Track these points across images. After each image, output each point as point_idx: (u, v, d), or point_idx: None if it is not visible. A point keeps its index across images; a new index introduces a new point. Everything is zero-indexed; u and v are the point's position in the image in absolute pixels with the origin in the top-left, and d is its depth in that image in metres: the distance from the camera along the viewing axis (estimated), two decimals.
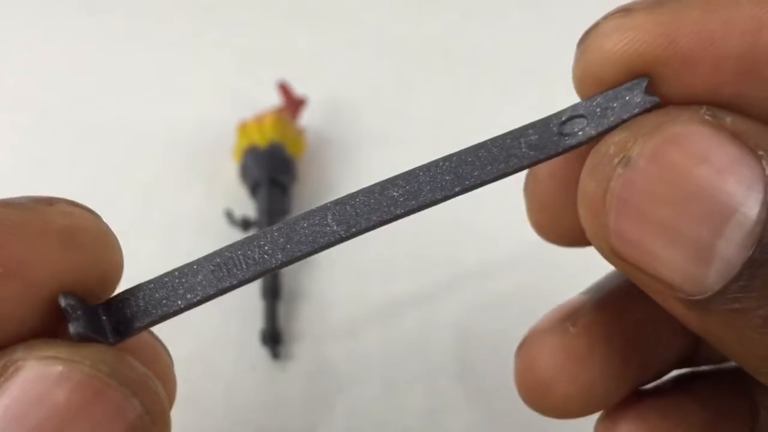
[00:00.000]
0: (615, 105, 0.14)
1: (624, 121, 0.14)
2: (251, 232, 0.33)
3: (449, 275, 0.32)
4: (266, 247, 0.14)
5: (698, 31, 0.13)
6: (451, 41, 0.43)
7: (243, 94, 0.39)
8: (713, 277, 0.12)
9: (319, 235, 0.14)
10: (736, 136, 0.12)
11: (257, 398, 0.28)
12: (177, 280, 0.14)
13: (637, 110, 0.14)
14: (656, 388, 0.19)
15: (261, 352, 0.29)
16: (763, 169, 0.12)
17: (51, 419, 0.11)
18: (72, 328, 0.12)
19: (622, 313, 0.18)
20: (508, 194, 0.35)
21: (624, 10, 0.14)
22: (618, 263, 0.14)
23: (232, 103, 0.38)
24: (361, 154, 0.37)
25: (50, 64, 0.41)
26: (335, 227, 0.14)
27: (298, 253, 0.14)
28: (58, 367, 0.11)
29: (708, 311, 0.13)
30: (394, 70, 0.41)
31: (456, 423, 0.28)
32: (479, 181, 0.14)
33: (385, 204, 0.14)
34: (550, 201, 0.18)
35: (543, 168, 0.17)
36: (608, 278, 0.19)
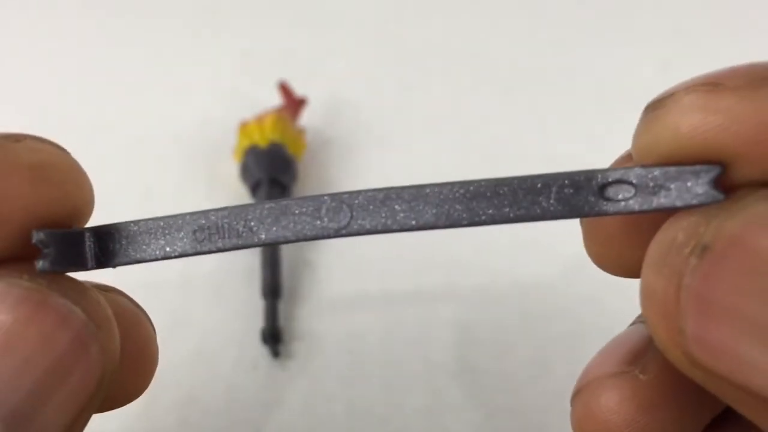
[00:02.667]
0: (672, 186, 0.12)
1: (675, 209, 0.12)
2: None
3: (449, 275, 0.32)
4: (252, 223, 0.14)
5: None
6: (451, 41, 0.43)
7: (243, 94, 0.39)
8: None
9: (307, 226, 0.14)
10: None
11: (257, 397, 0.28)
12: (160, 230, 0.14)
13: (695, 202, 0.12)
14: (720, 417, 0.17)
15: (261, 351, 0.29)
16: None
17: None
18: (38, 265, 0.13)
19: None
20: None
21: (712, 84, 0.12)
22: (697, 374, 0.11)
23: (233, 102, 0.38)
24: (361, 154, 0.37)
25: (50, 64, 0.41)
26: (326, 223, 0.13)
27: (282, 239, 0.14)
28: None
29: None
30: (394, 70, 0.41)
31: (456, 423, 0.28)
32: (490, 221, 0.13)
33: (383, 215, 0.13)
34: (614, 234, 0.16)
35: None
36: None
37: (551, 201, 0.13)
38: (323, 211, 0.14)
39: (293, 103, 0.37)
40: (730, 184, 0.12)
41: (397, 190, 0.14)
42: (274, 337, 0.29)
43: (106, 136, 0.37)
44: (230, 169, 0.35)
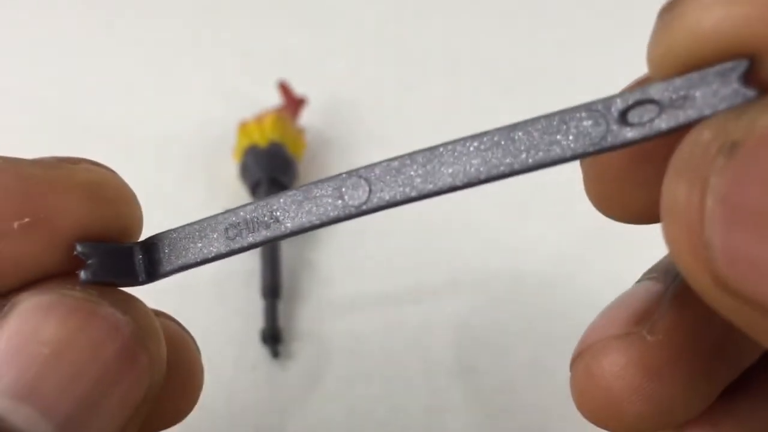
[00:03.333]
0: (697, 94, 0.11)
1: (704, 119, 0.11)
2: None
3: (449, 275, 0.32)
4: (278, 213, 0.14)
5: None
6: (451, 41, 0.43)
7: (243, 94, 0.39)
8: None
9: (330, 208, 0.13)
10: None
11: (257, 397, 0.28)
12: (197, 234, 0.14)
13: (724, 105, 0.10)
14: (734, 387, 0.15)
15: (261, 351, 0.29)
16: None
17: (50, 345, 0.12)
18: (80, 276, 0.13)
19: (710, 312, 0.14)
20: (510, 191, 0.35)
21: None
22: (725, 300, 0.10)
23: (232, 102, 0.38)
24: (361, 154, 0.37)
25: (49, 64, 0.41)
26: (347, 201, 0.13)
27: (308, 224, 0.14)
28: (50, 297, 0.12)
29: None
30: (394, 70, 0.41)
31: (456, 423, 0.28)
32: (509, 171, 0.12)
33: (400, 183, 0.13)
34: (618, 170, 0.14)
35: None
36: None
37: (570, 138, 0.12)
38: (343, 189, 0.13)
39: (293, 103, 0.37)
40: (762, 79, 0.10)
41: (410, 155, 0.13)
42: (273, 338, 0.29)
43: (105, 135, 0.37)
44: (230, 168, 0.35)
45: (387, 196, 0.13)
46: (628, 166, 0.14)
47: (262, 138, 0.34)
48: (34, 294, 0.12)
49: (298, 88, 0.37)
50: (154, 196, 0.35)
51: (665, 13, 0.11)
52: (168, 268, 0.14)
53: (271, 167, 0.34)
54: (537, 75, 0.41)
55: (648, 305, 0.14)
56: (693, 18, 0.11)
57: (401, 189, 0.13)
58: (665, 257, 0.16)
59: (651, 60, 0.12)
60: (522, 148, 0.12)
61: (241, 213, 0.14)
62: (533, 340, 0.29)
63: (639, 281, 0.16)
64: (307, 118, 0.37)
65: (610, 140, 0.11)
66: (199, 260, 0.14)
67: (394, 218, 0.34)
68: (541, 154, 0.12)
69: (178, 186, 0.35)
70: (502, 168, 0.12)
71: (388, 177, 0.13)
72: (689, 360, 0.14)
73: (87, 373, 0.12)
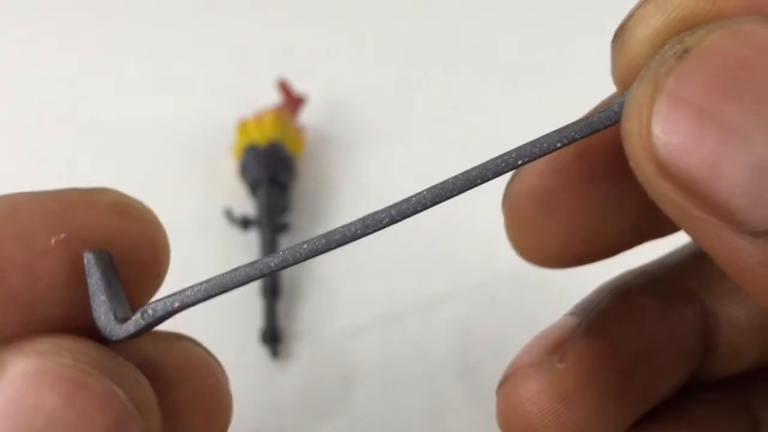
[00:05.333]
0: None
1: None
2: (251, 231, 0.33)
3: (449, 275, 0.32)
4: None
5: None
6: (451, 40, 0.43)
7: (243, 93, 0.39)
8: None
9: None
10: None
11: (257, 397, 0.28)
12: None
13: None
14: (651, 413, 0.17)
15: (260, 351, 0.29)
16: None
17: (37, 416, 0.11)
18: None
19: (618, 341, 0.16)
20: None
21: None
22: (665, 190, 0.11)
23: (232, 101, 0.38)
24: (361, 153, 0.37)
25: (49, 63, 0.41)
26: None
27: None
28: (39, 363, 0.11)
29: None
30: (394, 69, 0.41)
31: (456, 423, 0.28)
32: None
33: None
34: (530, 220, 0.16)
35: (523, 184, 0.16)
36: (598, 296, 0.17)
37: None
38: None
39: (292, 102, 0.37)
40: None
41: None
42: (273, 337, 0.29)
43: (105, 134, 0.37)
44: (229, 167, 0.35)
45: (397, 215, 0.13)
46: (536, 210, 0.16)
47: (261, 137, 0.34)
48: (24, 358, 0.11)
49: (298, 87, 0.37)
50: (154, 195, 0.35)
51: (615, 39, 0.13)
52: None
53: (270, 166, 0.33)
54: (537, 72, 0.41)
55: (562, 336, 0.16)
56: (637, 36, 0.12)
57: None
58: (588, 295, 0.17)
59: (616, 83, 0.13)
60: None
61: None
62: None
63: (564, 315, 0.17)
64: (306, 116, 0.37)
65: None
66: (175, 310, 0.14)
67: None
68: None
69: (177, 185, 0.35)
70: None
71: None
72: (598, 386, 0.15)
73: None
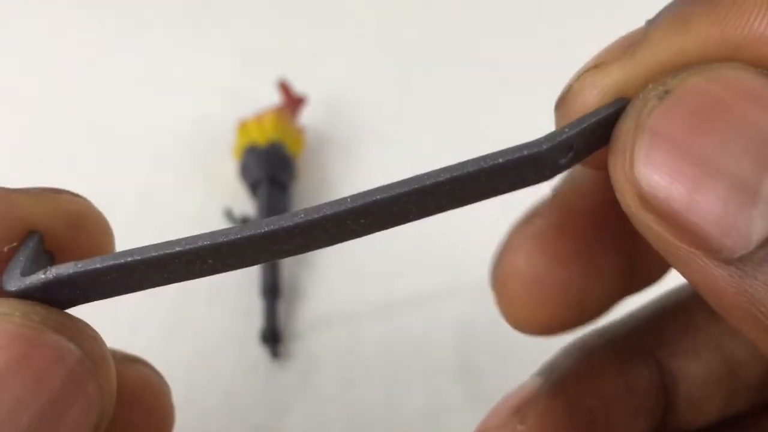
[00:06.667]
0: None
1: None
2: None
3: (449, 275, 0.32)
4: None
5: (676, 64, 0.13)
6: (452, 40, 0.43)
7: (243, 93, 0.39)
8: (759, 221, 0.11)
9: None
10: None
11: (257, 397, 0.28)
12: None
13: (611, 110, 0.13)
14: None
15: (260, 351, 0.29)
16: None
17: None
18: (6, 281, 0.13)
19: (577, 400, 0.17)
20: (509, 195, 0.34)
21: (595, 66, 0.13)
22: (647, 218, 0.12)
23: (232, 101, 0.38)
24: (361, 153, 0.37)
25: (50, 63, 0.41)
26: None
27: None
28: None
29: (750, 272, 0.11)
30: (394, 68, 0.41)
31: (456, 423, 0.28)
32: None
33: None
34: (521, 299, 0.17)
35: (510, 265, 0.17)
36: (562, 356, 0.18)
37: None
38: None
39: (293, 102, 0.37)
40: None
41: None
42: (273, 337, 0.29)
43: (105, 134, 0.37)
44: (230, 167, 0.35)
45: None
46: (526, 288, 0.17)
47: (261, 137, 0.34)
48: None
49: (298, 87, 0.37)
50: (154, 195, 0.35)
51: (557, 107, 0.14)
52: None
53: (270, 166, 0.33)
54: (538, 73, 0.41)
55: (526, 398, 0.17)
56: (575, 106, 0.13)
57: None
58: (554, 354, 0.18)
59: None
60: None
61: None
62: (533, 340, 0.29)
63: (530, 376, 0.18)
64: (306, 116, 0.37)
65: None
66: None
67: None
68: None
69: (177, 184, 0.35)
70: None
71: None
72: None
73: (31, 404, 0.11)
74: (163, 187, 0.35)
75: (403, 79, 0.41)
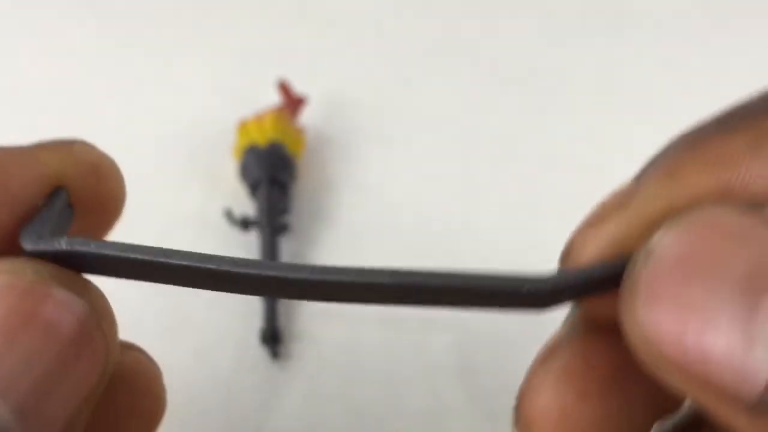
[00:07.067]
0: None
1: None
2: (251, 231, 0.33)
3: None
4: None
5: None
6: (452, 39, 0.43)
7: (243, 93, 0.39)
8: (761, 360, 0.11)
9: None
10: (760, 216, 0.12)
11: (257, 398, 0.28)
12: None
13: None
14: None
15: (260, 352, 0.29)
16: None
17: (3, 329, 0.12)
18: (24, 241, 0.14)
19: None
20: (509, 195, 0.35)
21: (592, 223, 0.15)
22: (665, 372, 0.12)
23: (232, 101, 0.38)
24: (361, 153, 0.37)
25: (49, 63, 0.41)
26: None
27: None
28: (5, 279, 0.12)
29: (762, 412, 0.11)
30: (394, 69, 0.41)
31: (456, 423, 0.28)
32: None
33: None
34: None
35: (535, 404, 0.16)
36: None
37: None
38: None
39: (293, 102, 0.37)
40: None
41: None
42: (273, 338, 0.29)
43: (105, 134, 0.37)
44: (230, 168, 0.35)
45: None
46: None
47: (261, 137, 0.34)
48: None
49: (298, 87, 0.37)
50: (154, 196, 0.35)
51: (561, 259, 0.15)
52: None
53: (270, 166, 0.33)
54: (538, 74, 0.41)
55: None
56: (576, 253, 0.15)
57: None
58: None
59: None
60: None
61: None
62: (533, 341, 0.29)
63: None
64: (307, 117, 0.37)
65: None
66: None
67: (395, 218, 0.34)
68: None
69: (177, 185, 0.35)
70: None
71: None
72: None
73: (43, 355, 0.12)
74: (163, 187, 0.35)
75: (403, 79, 0.41)
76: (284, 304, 0.31)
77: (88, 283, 0.14)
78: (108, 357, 0.13)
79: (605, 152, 0.36)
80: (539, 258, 0.32)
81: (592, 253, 0.14)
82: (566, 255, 0.15)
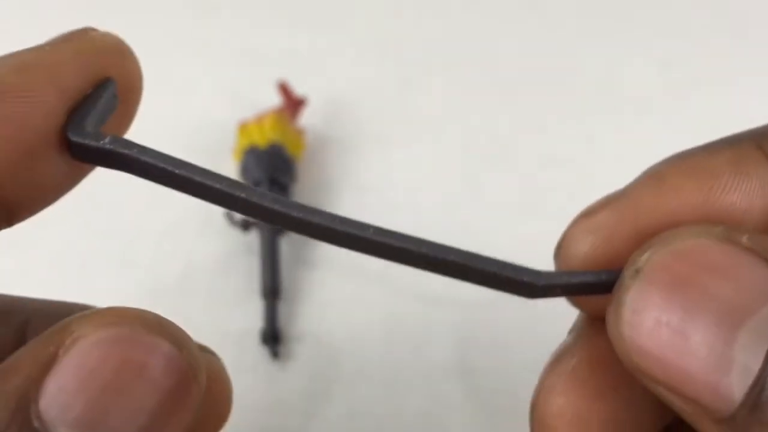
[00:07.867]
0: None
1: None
2: (251, 232, 0.33)
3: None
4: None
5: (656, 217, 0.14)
6: (451, 40, 0.43)
7: (243, 94, 0.39)
8: (736, 385, 0.12)
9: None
10: (747, 249, 0.13)
11: (257, 398, 0.28)
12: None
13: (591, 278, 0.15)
14: None
15: (261, 352, 0.29)
16: None
17: (116, 379, 0.13)
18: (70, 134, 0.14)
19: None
20: (509, 195, 0.35)
21: (585, 215, 0.15)
22: (648, 383, 0.14)
23: (233, 103, 0.38)
24: (361, 154, 0.37)
25: None
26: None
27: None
28: (111, 332, 0.13)
29: (740, 430, 0.12)
30: (394, 70, 0.41)
31: (456, 423, 0.28)
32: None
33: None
34: None
35: (549, 405, 0.17)
36: None
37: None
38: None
39: (293, 104, 0.37)
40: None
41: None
42: (273, 338, 0.29)
43: None
44: (230, 169, 0.35)
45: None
46: None
47: (262, 138, 0.34)
48: (95, 327, 0.13)
49: (298, 89, 0.37)
50: (154, 196, 0.35)
51: (556, 255, 0.16)
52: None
53: (271, 168, 0.34)
54: (537, 75, 0.41)
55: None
56: (571, 252, 0.16)
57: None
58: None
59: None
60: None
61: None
62: (533, 340, 0.29)
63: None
64: (306, 118, 0.37)
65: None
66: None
67: (394, 218, 0.34)
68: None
69: None
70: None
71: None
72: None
73: (148, 405, 0.13)
74: (163, 188, 0.35)
75: (403, 79, 0.41)
76: (284, 305, 0.31)
77: (186, 335, 0.14)
78: (199, 405, 0.14)
79: (605, 152, 0.36)
80: (539, 258, 0.32)
81: (584, 246, 0.15)
82: (560, 246, 0.16)
